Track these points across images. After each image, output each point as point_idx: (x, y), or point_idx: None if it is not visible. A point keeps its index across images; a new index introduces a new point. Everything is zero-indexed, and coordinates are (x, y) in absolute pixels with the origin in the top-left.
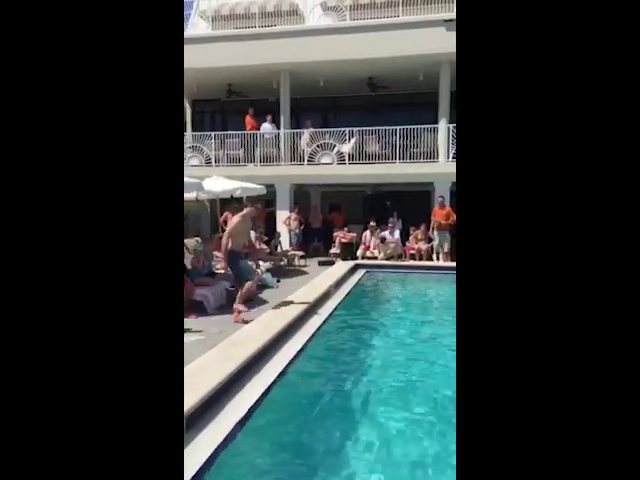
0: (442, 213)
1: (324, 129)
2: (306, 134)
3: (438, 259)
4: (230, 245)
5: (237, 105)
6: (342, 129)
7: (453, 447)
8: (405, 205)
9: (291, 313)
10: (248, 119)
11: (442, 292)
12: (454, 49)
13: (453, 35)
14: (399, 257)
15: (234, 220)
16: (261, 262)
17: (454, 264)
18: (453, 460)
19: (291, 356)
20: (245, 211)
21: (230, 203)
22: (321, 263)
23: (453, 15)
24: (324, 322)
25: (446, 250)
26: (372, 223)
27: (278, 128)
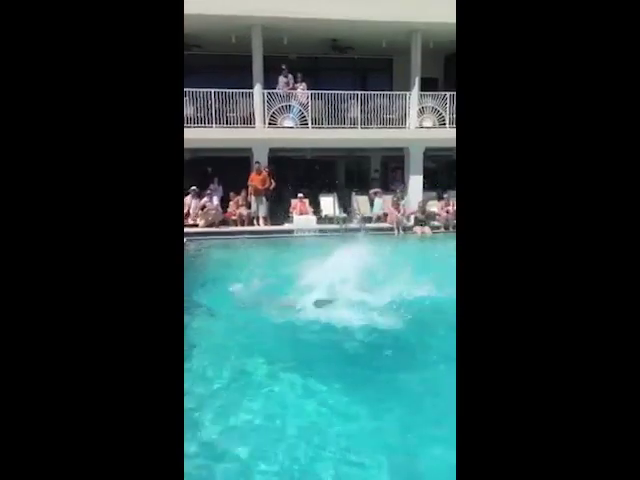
0: (259, 178)
1: None
2: None
3: (258, 223)
4: None
5: None
6: None
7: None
8: (225, 171)
9: None
10: None
11: (265, 254)
12: (267, 13)
13: None
14: (221, 223)
15: None
16: None
17: (274, 227)
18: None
19: None
20: None
21: None
22: None
23: None
24: None
25: (264, 215)
26: (191, 189)
27: None
